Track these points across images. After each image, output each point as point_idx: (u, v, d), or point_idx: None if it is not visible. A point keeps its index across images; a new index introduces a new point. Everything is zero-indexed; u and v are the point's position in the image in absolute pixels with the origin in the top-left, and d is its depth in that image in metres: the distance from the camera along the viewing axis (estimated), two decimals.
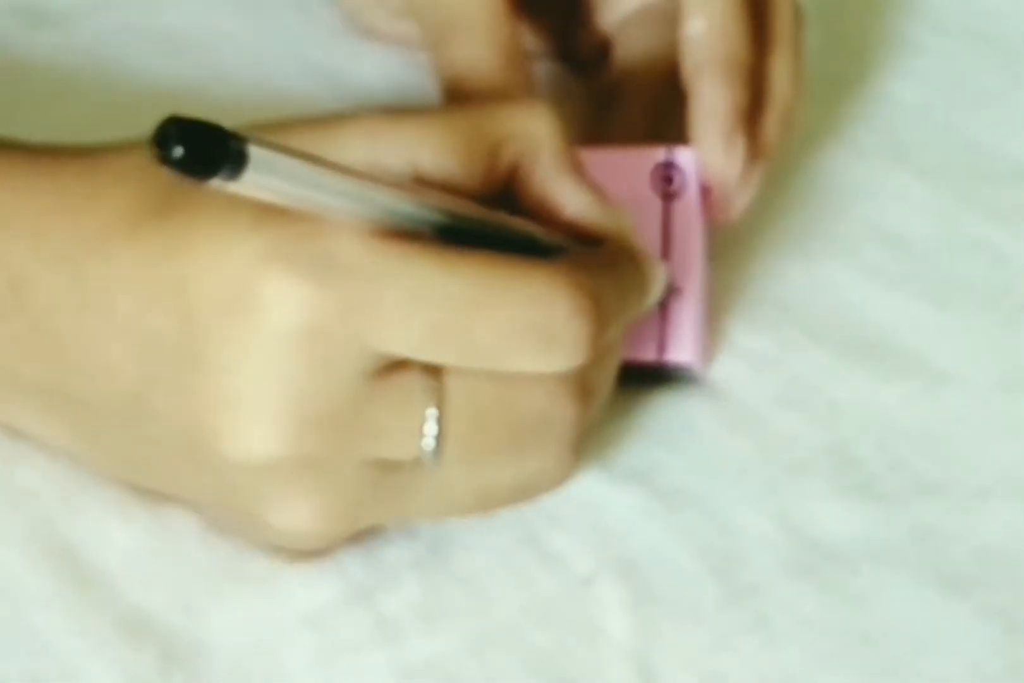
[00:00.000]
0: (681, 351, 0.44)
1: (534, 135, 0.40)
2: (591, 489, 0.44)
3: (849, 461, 0.44)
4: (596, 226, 0.41)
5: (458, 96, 0.46)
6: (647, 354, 0.44)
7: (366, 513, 0.40)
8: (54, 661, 0.40)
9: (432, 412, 0.38)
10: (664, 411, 0.45)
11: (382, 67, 0.54)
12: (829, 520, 0.43)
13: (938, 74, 0.56)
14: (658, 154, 0.45)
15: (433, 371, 0.38)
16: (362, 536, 0.42)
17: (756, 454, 0.45)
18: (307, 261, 0.36)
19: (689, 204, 0.44)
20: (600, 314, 0.38)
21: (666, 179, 0.44)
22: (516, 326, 0.37)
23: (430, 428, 0.38)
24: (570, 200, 0.40)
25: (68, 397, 0.40)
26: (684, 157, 0.45)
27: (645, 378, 0.45)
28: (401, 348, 0.37)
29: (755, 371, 0.46)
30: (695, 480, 0.44)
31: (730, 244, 0.49)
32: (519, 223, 0.39)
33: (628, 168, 0.44)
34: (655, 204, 0.44)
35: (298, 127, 0.38)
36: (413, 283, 0.36)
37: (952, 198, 0.51)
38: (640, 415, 0.45)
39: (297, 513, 0.39)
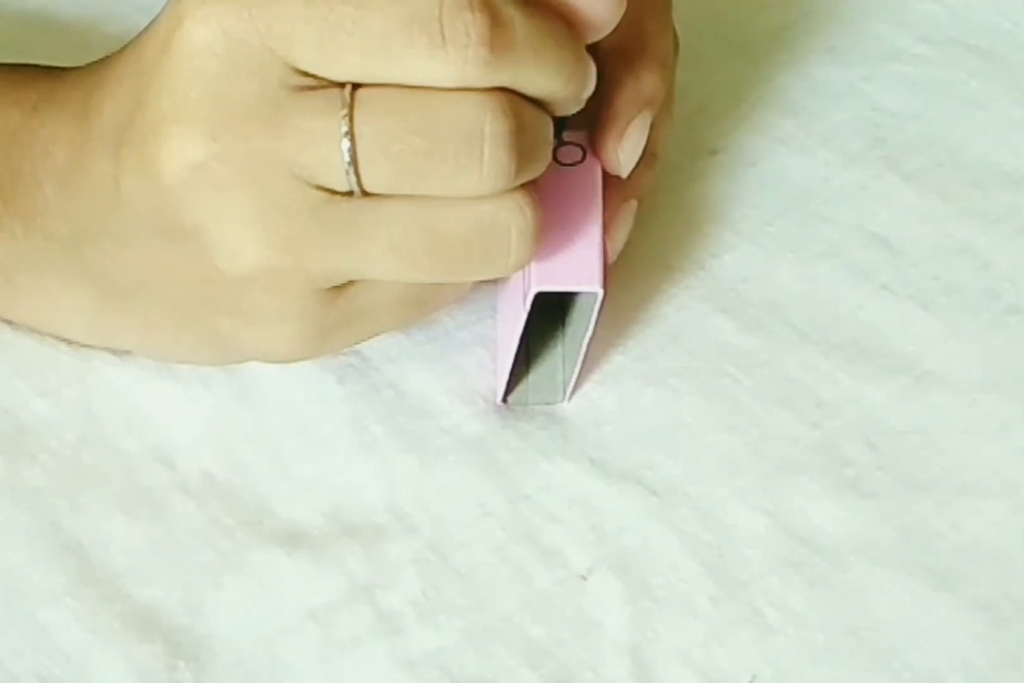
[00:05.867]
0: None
1: None
2: (587, 486, 0.44)
3: (838, 459, 0.45)
4: None
5: None
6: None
7: (314, 255, 0.39)
8: (62, 657, 0.41)
9: (342, 118, 0.38)
10: (658, 409, 0.46)
11: None
12: (819, 517, 0.43)
13: (926, 82, 0.56)
14: None
15: (350, 87, 0.39)
16: (363, 534, 0.43)
17: (748, 452, 0.45)
18: None
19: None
20: (503, 24, 0.38)
21: None
22: (402, 19, 0.38)
23: (341, 135, 0.38)
24: None
25: (76, 235, 0.42)
26: None
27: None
28: (304, 54, 0.38)
29: (746, 371, 0.47)
30: (688, 477, 0.44)
31: (722, 247, 0.50)
32: None
33: None
34: None
35: None
36: None
37: (939, 203, 0.51)
38: (634, 414, 0.46)
39: (238, 232, 0.39)
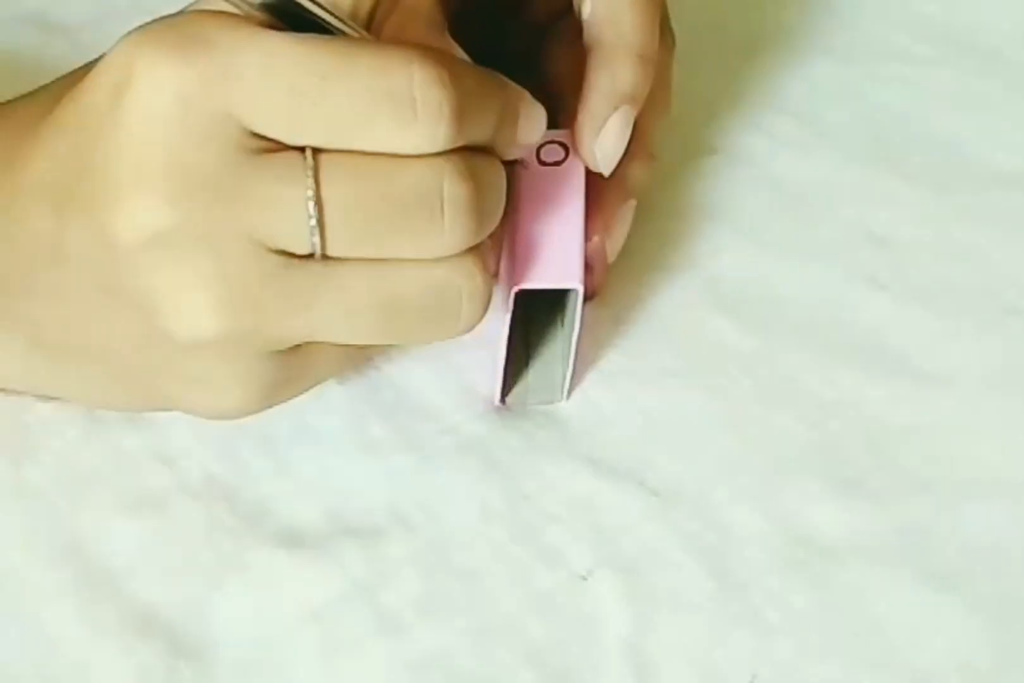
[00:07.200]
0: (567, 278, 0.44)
1: None
2: (587, 486, 0.44)
3: (839, 459, 0.45)
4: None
5: None
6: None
7: (271, 320, 0.39)
8: (63, 656, 0.41)
9: (308, 182, 0.38)
10: (658, 410, 0.46)
11: None
12: (820, 517, 0.44)
13: (926, 82, 0.56)
14: None
15: (311, 152, 0.38)
16: (363, 534, 0.43)
17: (748, 452, 0.45)
18: (173, 39, 0.37)
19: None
20: (461, 93, 0.38)
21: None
22: (372, 93, 0.37)
23: (307, 199, 0.38)
24: None
25: (5, 286, 0.41)
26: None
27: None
28: (265, 120, 0.38)
29: (746, 371, 0.47)
30: (688, 477, 0.44)
31: (722, 247, 0.50)
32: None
33: None
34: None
35: None
36: (269, 51, 0.37)
37: (938, 202, 0.52)
38: (634, 414, 0.46)
39: (195, 299, 0.38)
